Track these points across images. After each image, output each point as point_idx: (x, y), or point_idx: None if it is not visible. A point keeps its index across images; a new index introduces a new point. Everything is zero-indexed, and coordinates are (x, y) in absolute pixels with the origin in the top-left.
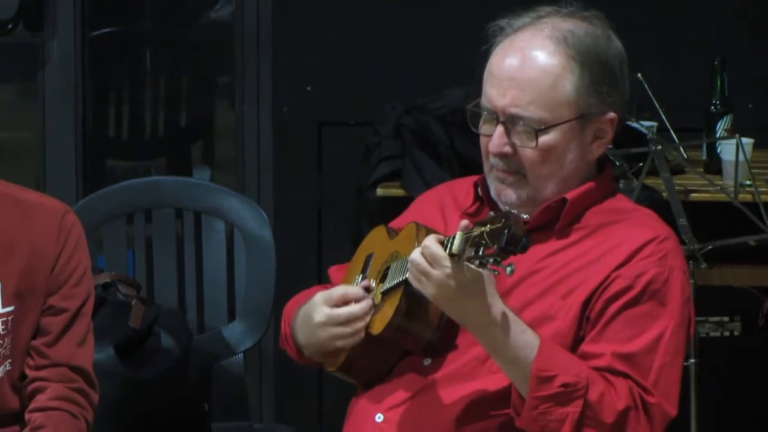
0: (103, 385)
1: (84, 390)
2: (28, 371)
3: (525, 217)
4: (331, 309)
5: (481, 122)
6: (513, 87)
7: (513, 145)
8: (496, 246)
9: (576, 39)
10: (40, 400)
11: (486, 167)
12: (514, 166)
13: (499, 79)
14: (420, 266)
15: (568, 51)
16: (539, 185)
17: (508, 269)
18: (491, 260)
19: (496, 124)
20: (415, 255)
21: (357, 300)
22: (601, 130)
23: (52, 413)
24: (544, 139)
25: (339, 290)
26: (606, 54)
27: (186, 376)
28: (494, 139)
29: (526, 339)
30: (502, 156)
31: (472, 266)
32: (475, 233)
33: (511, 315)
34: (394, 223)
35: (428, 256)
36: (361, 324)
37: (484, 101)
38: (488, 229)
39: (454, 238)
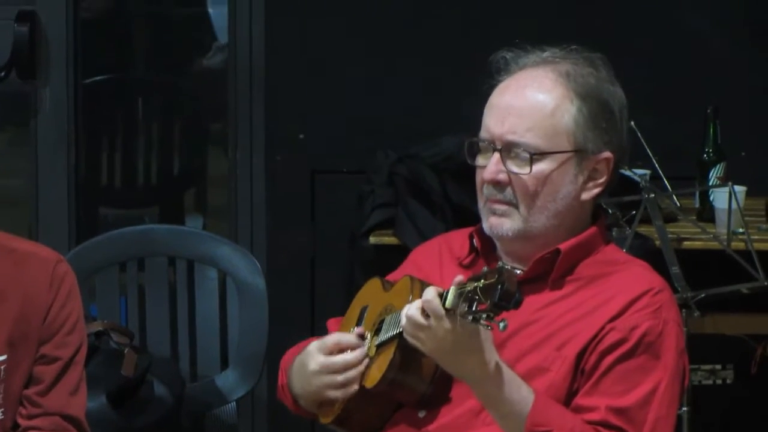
0: None
1: None
2: (20, 420)
3: (518, 272)
4: (326, 357)
5: (478, 154)
6: (511, 115)
7: (508, 173)
8: (489, 302)
9: (578, 75)
10: None
11: (480, 202)
12: (507, 196)
13: (498, 108)
14: (417, 322)
15: (569, 84)
16: (531, 217)
17: (501, 325)
18: (484, 315)
19: (493, 153)
20: (412, 310)
21: (351, 348)
22: (596, 171)
23: None
24: (539, 166)
25: (333, 338)
26: (606, 94)
27: (178, 425)
28: (490, 166)
29: (521, 394)
30: (496, 183)
31: (466, 321)
32: (469, 288)
33: (506, 370)
34: (391, 276)
35: (429, 310)
36: (354, 372)
37: (482, 132)
38: (481, 285)
39: (448, 292)
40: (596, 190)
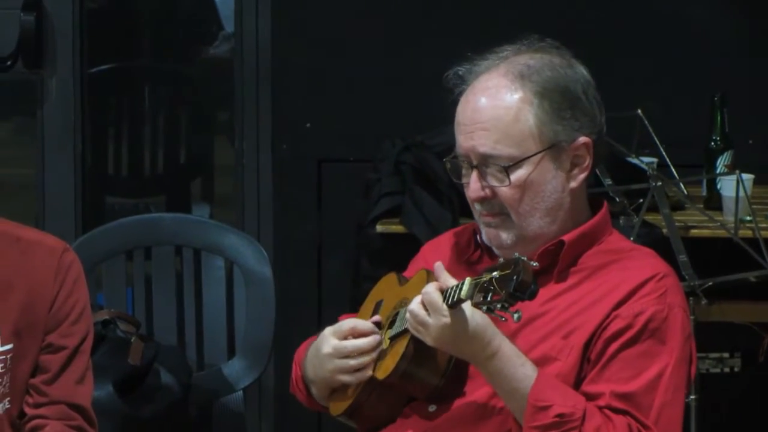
0: (103, 423)
1: (83, 428)
2: (27, 409)
3: (534, 264)
4: (339, 341)
5: (462, 173)
6: (477, 129)
7: (490, 188)
8: (504, 292)
9: (532, 71)
10: None
11: (475, 215)
12: (496, 208)
13: (464, 125)
14: (418, 317)
15: (525, 84)
16: (524, 222)
17: (516, 315)
18: (499, 306)
19: (472, 170)
20: (413, 305)
21: (365, 334)
22: (577, 157)
23: None
24: (517, 174)
25: (349, 323)
26: (565, 81)
27: (185, 414)
28: (471, 185)
29: (525, 372)
30: (481, 200)
31: (480, 311)
32: (484, 279)
33: (509, 348)
34: (406, 273)
35: (427, 303)
36: (367, 358)
37: (457, 150)
38: (497, 275)
39: (463, 283)
40: (582, 175)
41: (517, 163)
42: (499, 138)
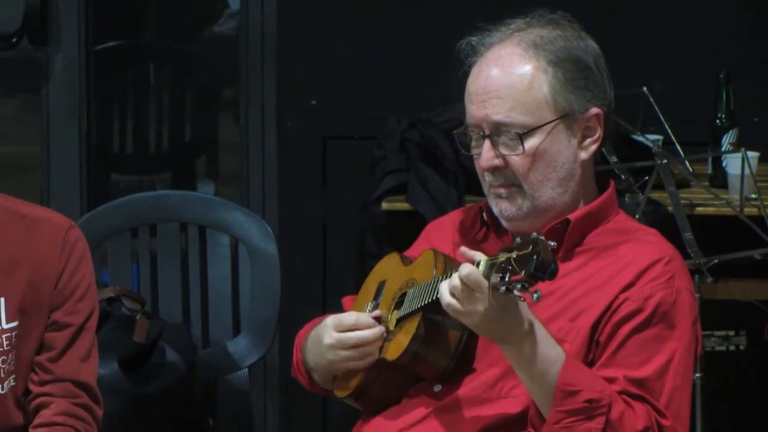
0: (108, 401)
1: (88, 405)
2: (32, 387)
3: (552, 244)
4: (341, 333)
5: (471, 144)
6: (491, 97)
7: (502, 157)
8: (524, 272)
9: (545, 41)
10: (44, 415)
11: (485, 188)
12: (508, 178)
13: (477, 94)
14: (464, 293)
15: (539, 54)
16: (536, 192)
17: (535, 296)
18: (519, 286)
19: (483, 140)
20: (455, 282)
21: (367, 328)
22: (589, 128)
23: (56, 428)
24: (530, 143)
25: (350, 317)
26: (577, 51)
27: (190, 391)
28: (483, 153)
29: (557, 352)
30: (493, 170)
31: (498, 293)
32: (501, 259)
33: (540, 327)
34: (408, 253)
35: (472, 282)
36: (369, 349)
37: (468, 120)
38: (515, 255)
39: (477, 264)
40: (594, 147)
41: (531, 131)
42: (513, 106)
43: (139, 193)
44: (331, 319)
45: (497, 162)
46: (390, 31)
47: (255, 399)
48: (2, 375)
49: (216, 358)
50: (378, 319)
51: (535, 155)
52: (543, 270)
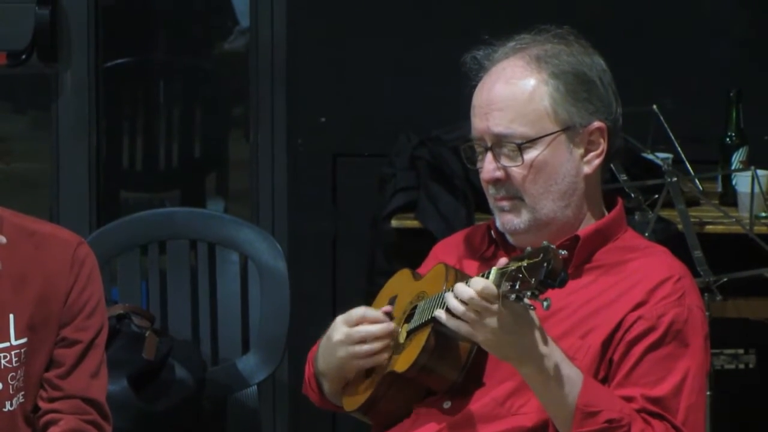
0: (117, 417)
1: (97, 422)
2: (41, 403)
3: (563, 253)
4: (350, 327)
5: (477, 159)
6: (493, 109)
7: (504, 169)
8: (534, 280)
9: (549, 55)
10: None
11: (490, 202)
12: (510, 191)
13: (479, 107)
14: (479, 305)
15: (541, 66)
16: (537, 204)
17: (545, 304)
18: (529, 294)
19: (486, 152)
20: (469, 293)
21: (376, 321)
22: (591, 142)
23: None
24: (530, 154)
25: (358, 311)
26: (581, 65)
27: (200, 409)
28: (485, 165)
29: (576, 373)
30: (496, 182)
31: (508, 301)
32: (512, 267)
33: (556, 348)
34: (419, 270)
35: (486, 294)
36: (380, 344)
37: (472, 133)
38: (526, 264)
39: (488, 273)
40: (597, 161)
41: (531, 141)
42: (513, 117)
43: (148, 210)
44: (340, 317)
45: (499, 174)
46: (400, 48)
47: (264, 416)
48: (11, 391)
49: (225, 376)
50: (390, 316)
51: (536, 167)
52: (553, 278)
